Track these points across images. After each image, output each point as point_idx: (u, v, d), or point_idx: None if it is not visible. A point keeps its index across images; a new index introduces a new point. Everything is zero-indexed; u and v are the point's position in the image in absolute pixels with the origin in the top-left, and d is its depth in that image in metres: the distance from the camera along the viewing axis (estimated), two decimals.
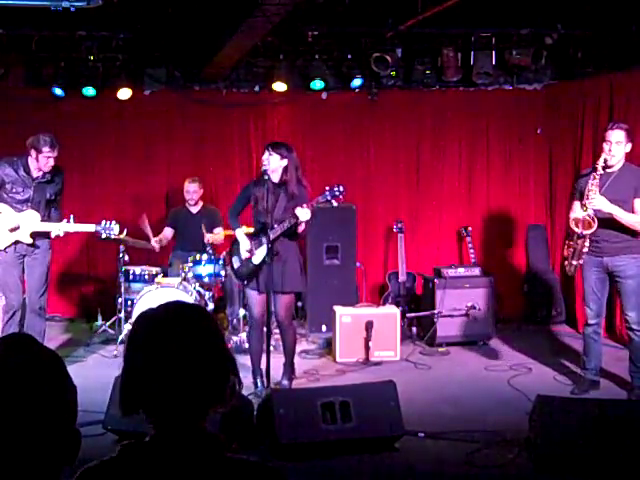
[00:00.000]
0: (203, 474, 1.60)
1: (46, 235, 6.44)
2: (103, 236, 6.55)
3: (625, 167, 5.79)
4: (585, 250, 5.78)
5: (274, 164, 5.78)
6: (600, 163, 5.70)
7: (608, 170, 5.75)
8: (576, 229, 5.75)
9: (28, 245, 6.37)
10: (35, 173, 6.36)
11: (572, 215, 5.81)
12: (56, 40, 7.92)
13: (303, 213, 5.70)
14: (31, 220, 6.31)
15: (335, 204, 6.03)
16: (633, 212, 5.69)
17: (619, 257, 5.77)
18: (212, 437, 1.65)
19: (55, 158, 6.30)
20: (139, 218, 7.96)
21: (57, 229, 6.33)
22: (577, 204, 5.85)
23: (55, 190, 6.50)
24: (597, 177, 5.68)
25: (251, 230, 6.17)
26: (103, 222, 6.51)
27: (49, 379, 1.35)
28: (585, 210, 5.70)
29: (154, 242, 7.90)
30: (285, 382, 6.09)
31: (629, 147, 5.76)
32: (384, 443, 4.93)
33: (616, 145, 5.68)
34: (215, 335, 1.73)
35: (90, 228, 6.48)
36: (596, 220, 5.66)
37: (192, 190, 8.00)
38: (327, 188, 5.88)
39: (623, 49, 7.76)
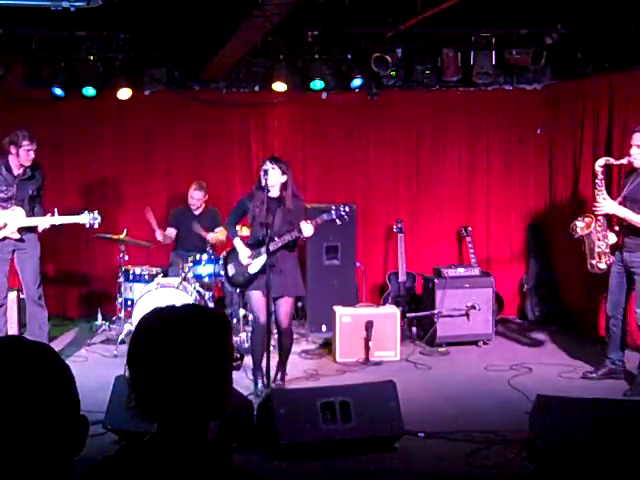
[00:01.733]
0: (200, 477, 1.60)
1: (33, 229, 6.59)
2: (88, 226, 6.66)
3: None
4: (599, 250, 5.93)
5: (274, 179, 5.86)
6: (598, 164, 5.89)
7: (639, 171, 5.90)
8: (577, 231, 5.95)
9: (16, 240, 6.50)
10: (16, 171, 6.53)
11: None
12: (56, 40, 7.92)
13: (307, 229, 5.83)
14: (17, 216, 6.47)
15: (339, 223, 6.06)
16: None
17: (635, 254, 5.88)
18: (212, 443, 1.65)
19: (35, 151, 6.47)
20: (144, 210, 7.97)
21: (43, 223, 6.50)
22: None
23: (37, 186, 6.67)
24: (599, 182, 5.86)
25: (247, 233, 6.33)
26: (86, 212, 6.61)
27: (40, 375, 1.35)
28: (592, 213, 5.93)
29: (159, 235, 7.89)
30: (279, 380, 6.16)
31: None
32: (384, 443, 4.93)
33: (636, 148, 5.78)
34: (224, 342, 1.71)
35: (75, 219, 6.57)
36: (595, 219, 5.86)
37: (197, 197, 8.02)
38: (333, 207, 5.99)
39: (623, 49, 7.76)
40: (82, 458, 1.58)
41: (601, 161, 5.94)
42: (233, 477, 1.63)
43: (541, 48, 8.36)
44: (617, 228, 6.08)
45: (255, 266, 6.00)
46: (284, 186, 5.93)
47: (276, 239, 5.84)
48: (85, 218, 6.62)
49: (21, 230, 6.50)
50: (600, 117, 7.97)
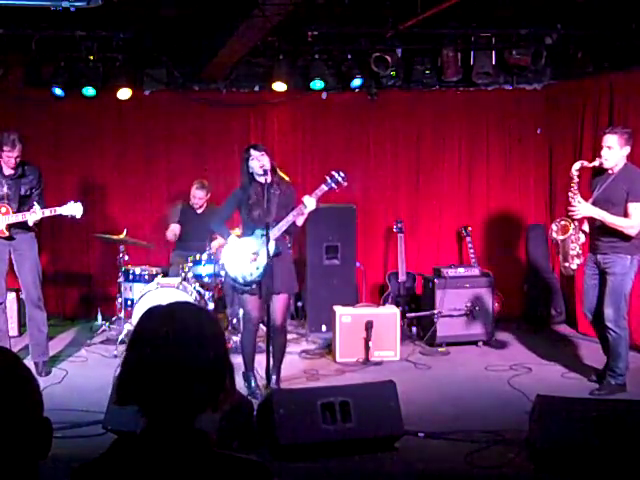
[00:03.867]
0: (191, 468, 1.62)
1: (28, 229, 6.51)
2: (69, 217, 6.55)
3: (623, 169, 5.91)
4: (574, 253, 5.98)
5: (267, 164, 5.79)
6: (574, 169, 5.94)
7: (609, 172, 5.94)
8: (554, 235, 6.02)
9: (7, 239, 6.45)
10: (7, 171, 6.47)
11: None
12: (56, 40, 7.92)
13: (310, 202, 5.74)
14: (2, 213, 6.41)
15: (337, 190, 5.96)
16: (626, 214, 5.81)
17: (608, 255, 5.93)
18: (200, 433, 1.68)
19: (17, 157, 6.38)
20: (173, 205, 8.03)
21: (27, 218, 6.38)
22: None
23: (30, 186, 6.58)
24: (575, 185, 5.90)
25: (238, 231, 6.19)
26: (69, 203, 6.56)
27: (1, 378, 1.35)
28: (568, 217, 5.96)
29: (169, 232, 7.99)
30: (274, 384, 5.99)
31: (626, 150, 5.86)
32: (384, 443, 4.92)
33: (607, 149, 5.82)
34: (218, 340, 1.75)
35: (56, 211, 6.52)
36: (572, 223, 5.92)
37: (198, 197, 8.00)
38: (328, 176, 5.88)
39: (623, 49, 7.76)
40: (82, 458, 1.58)
41: (577, 165, 5.96)
42: (222, 462, 1.66)
43: (541, 48, 8.36)
44: (586, 229, 6.11)
45: (262, 258, 5.80)
46: (273, 171, 5.85)
47: (277, 224, 5.74)
48: (66, 209, 6.50)
49: (13, 229, 6.44)
50: (600, 117, 7.97)
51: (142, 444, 1.65)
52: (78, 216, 6.58)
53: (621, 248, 5.86)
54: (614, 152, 5.81)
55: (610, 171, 5.92)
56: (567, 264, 6.03)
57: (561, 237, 5.98)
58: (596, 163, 5.94)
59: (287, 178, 6.29)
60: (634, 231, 5.79)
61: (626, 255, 5.87)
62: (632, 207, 5.77)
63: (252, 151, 5.83)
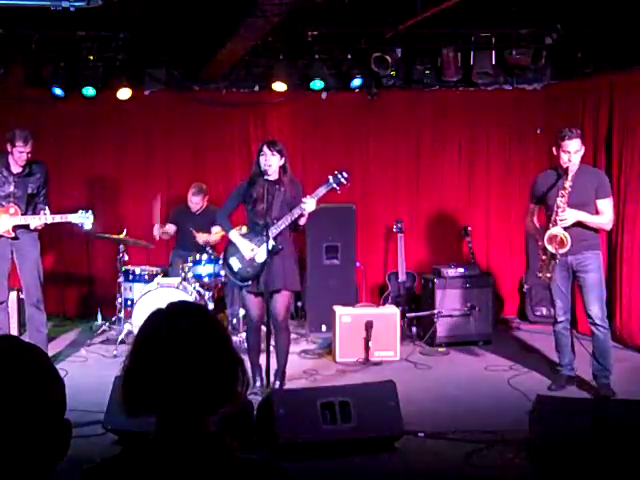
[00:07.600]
0: (208, 473, 1.61)
1: (29, 227, 6.50)
2: (79, 223, 6.56)
3: (581, 169, 5.86)
4: (555, 261, 5.86)
5: (275, 164, 5.79)
6: (569, 182, 5.69)
7: (563, 175, 5.83)
8: (550, 248, 5.80)
9: (12, 239, 6.45)
10: (15, 169, 6.46)
11: (547, 232, 5.83)
12: (56, 40, 7.92)
13: (310, 203, 5.72)
14: (11, 214, 6.41)
15: (339, 191, 5.96)
16: (597, 213, 5.85)
17: (581, 254, 5.89)
18: (217, 436, 1.66)
19: (28, 153, 6.39)
20: (153, 197, 7.93)
21: (35, 221, 6.41)
22: (534, 207, 6.16)
23: (37, 184, 6.59)
24: (565, 195, 5.71)
25: (244, 229, 6.18)
26: (79, 212, 6.57)
27: (30, 376, 1.35)
28: (556, 226, 5.78)
29: (156, 229, 7.84)
30: (277, 385, 6.01)
31: (583, 150, 5.83)
32: (384, 443, 4.93)
33: (574, 155, 5.74)
34: (223, 336, 1.74)
35: (66, 218, 6.51)
36: (569, 238, 5.72)
37: (195, 202, 7.98)
38: (330, 176, 5.89)
39: (623, 49, 7.76)
40: (82, 458, 1.58)
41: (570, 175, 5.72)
42: (241, 467, 1.64)
43: (541, 48, 8.36)
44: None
45: (261, 255, 5.83)
46: (283, 169, 5.86)
47: (277, 222, 5.74)
48: (76, 217, 6.54)
49: (17, 229, 6.44)
50: (600, 117, 7.97)
51: (157, 447, 1.63)
52: (87, 227, 6.57)
53: (594, 245, 5.91)
54: (579, 155, 5.77)
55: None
56: (549, 274, 5.91)
57: (562, 250, 5.75)
58: (573, 171, 5.73)
59: None
60: (611, 225, 5.94)
61: (599, 251, 5.95)
62: (604, 203, 5.84)
63: (264, 147, 5.83)
